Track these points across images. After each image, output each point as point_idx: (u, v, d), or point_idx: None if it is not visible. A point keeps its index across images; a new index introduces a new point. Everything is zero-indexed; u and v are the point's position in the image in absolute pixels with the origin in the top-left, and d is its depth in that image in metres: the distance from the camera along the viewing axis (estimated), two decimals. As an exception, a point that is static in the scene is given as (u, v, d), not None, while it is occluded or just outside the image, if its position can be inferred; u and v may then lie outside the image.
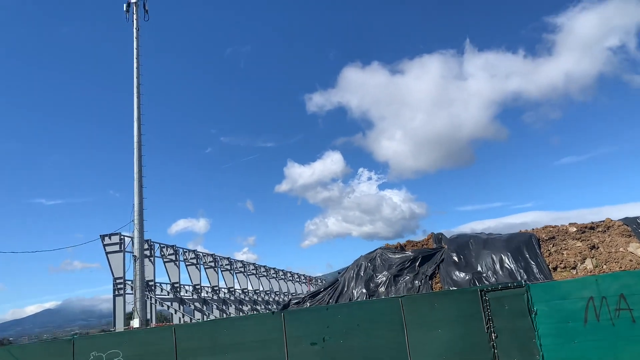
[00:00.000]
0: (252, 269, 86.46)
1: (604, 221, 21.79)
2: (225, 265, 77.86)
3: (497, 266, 20.19)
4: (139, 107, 40.76)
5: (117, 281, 53.37)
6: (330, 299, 21.73)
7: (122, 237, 54.04)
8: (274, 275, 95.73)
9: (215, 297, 70.54)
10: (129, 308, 54.93)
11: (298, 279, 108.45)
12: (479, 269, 20.45)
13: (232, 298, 74.91)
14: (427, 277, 20.87)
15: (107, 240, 54.38)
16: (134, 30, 42.76)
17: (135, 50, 42.04)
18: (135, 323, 37.39)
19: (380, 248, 22.96)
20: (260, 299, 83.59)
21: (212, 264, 73.75)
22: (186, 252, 68.01)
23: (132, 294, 55.57)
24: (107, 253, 54.02)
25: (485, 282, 19.66)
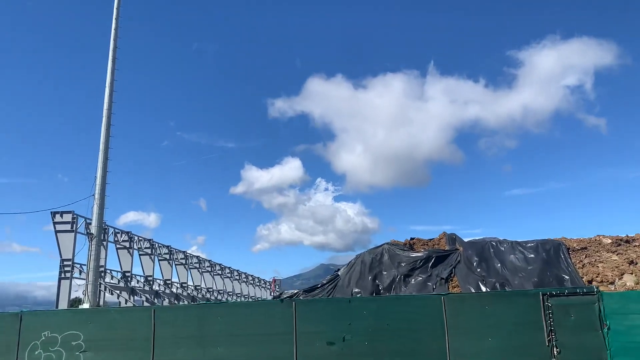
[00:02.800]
0: (207, 266, 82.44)
1: (640, 234, 19.82)
2: (181, 259, 73.62)
3: (525, 273, 17.85)
4: (113, 72, 37.15)
5: (65, 263, 48.64)
6: (328, 296, 18.86)
7: (75, 216, 49.60)
8: (229, 275, 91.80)
9: (167, 291, 66.32)
10: (74, 294, 50.28)
11: (252, 281, 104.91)
12: (504, 274, 18.04)
13: (184, 294, 70.80)
14: (443, 279, 18.33)
15: (57, 218, 49.72)
16: None
17: (115, 11, 38.50)
18: (85, 307, 33.48)
19: (387, 244, 20.29)
20: (213, 297, 79.60)
21: (167, 256, 69.53)
22: (141, 240, 63.66)
23: (79, 278, 51.12)
24: (56, 232, 49.31)
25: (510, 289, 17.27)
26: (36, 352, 13.32)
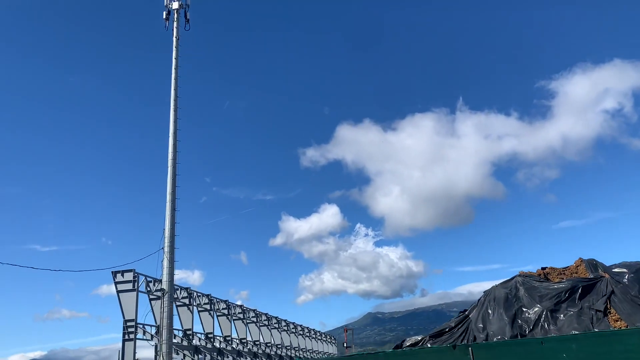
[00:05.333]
0: (265, 320, 79.80)
1: None
2: (238, 313, 71.35)
3: None
4: (175, 122, 36.30)
5: (128, 324, 47.11)
6: (461, 339, 16.24)
7: (136, 274, 48.32)
8: (285, 329, 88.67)
9: (228, 348, 63.79)
10: (142, 354, 48.25)
11: (309, 334, 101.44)
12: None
13: (245, 350, 68.08)
14: (600, 312, 15.52)
15: (119, 278, 48.61)
16: (174, 39, 38.99)
17: (174, 60, 37.98)
18: (161, 369, 31.34)
19: (519, 276, 17.66)
20: (273, 352, 76.50)
21: (225, 311, 67.36)
22: (199, 296, 61.92)
23: (143, 339, 49.18)
24: (118, 292, 48.09)
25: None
26: None
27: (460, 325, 16.97)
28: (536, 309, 16.23)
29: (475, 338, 16.32)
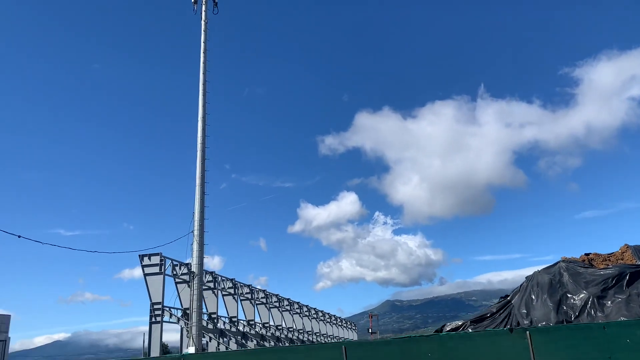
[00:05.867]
0: (286, 305, 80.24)
1: None
2: (261, 298, 71.88)
3: None
4: (204, 106, 36.28)
5: (155, 307, 47.61)
6: (503, 325, 15.96)
7: (162, 257, 48.74)
8: (306, 314, 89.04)
9: (252, 332, 64.32)
10: (166, 337, 48.86)
11: (329, 320, 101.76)
12: None
13: (268, 334, 68.59)
14: (651, 299, 15.11)
15: (145, 261, 49.05)
16: (202, 22, 38.86)
17: (202, 44, 37.93)
18: (191, 351, 31.55)
19: (562, 261, 17.27)
20: (295, 337, 76.96)
21: (249, 296, 67.88)
22: (224, 280, 62.37)
23: (169, 322, 49.80)
24: (145, 275, 48.55)
25: None
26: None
27: (502, 311, 16.68)
28: (582, 295, 15.86)
29: (518, 324, 16.04)
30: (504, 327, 15.83)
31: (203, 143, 35.55)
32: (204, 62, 37.28)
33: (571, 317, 15.48)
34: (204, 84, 36.85)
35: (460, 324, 17.42)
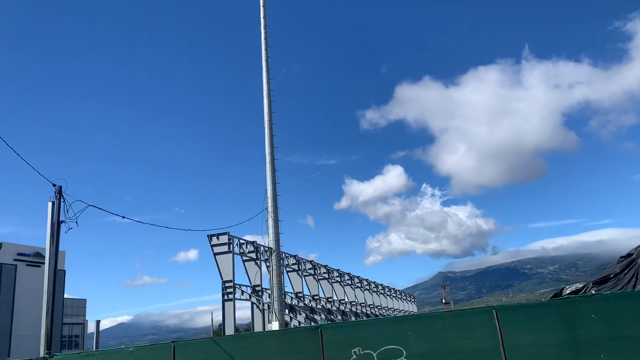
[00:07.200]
0: (348, 279, 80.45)
1: None
2: (323, 273, 72.44)
3: None
4: (268, 82, 36.00)
5: (226, 284, 48.66)
6: (631, 285, 15.08)
7: (230, 237, 49.57)
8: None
9: (318, 307, 65.03)
10: (238, 314, 49.95)
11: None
12: None
13: (334, 308, 69.21)
14: None
15: (214, 241, 50.07)
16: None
17: (262, 20, 37.62)
18: (275, 327, 31.95)
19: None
20: (359, 311, 77.31)
21: (312, 271, 68.54)
22: (287, 257, 63.02)
23: (241, 299, 50.79)
24: (215, 254, 49.60)
25: None
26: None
27: (626, 271, 15.74)
28: None
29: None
30: (632, 288, 14.96)
31: (270, 120, 35.40)
32: (265, 39, 36.92)
33: None
34: (266, 60, 36.50)
35: (581, 286, 16.59)
